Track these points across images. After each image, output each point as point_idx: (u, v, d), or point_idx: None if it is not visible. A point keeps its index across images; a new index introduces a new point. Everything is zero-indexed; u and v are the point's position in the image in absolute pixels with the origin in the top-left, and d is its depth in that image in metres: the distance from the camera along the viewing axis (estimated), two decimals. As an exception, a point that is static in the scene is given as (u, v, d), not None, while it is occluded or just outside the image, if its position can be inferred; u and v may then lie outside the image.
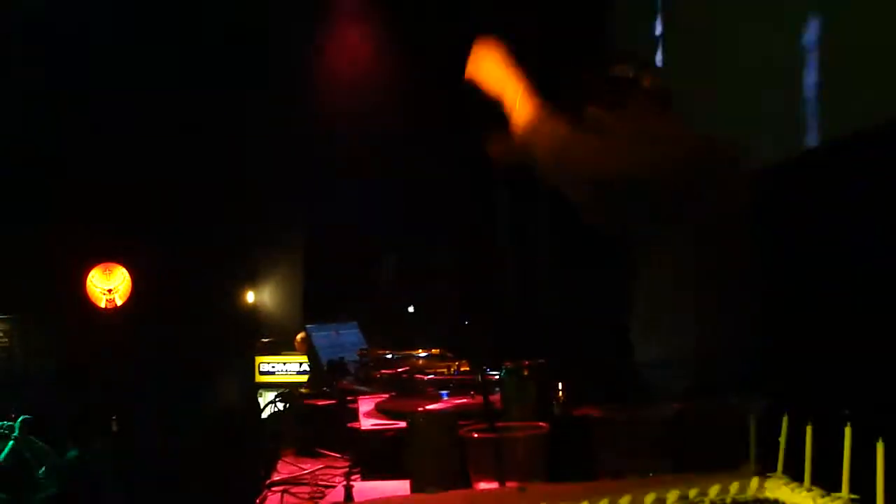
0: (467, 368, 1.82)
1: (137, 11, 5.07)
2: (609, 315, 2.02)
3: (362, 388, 1.73)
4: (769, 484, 0.71)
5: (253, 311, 6.44)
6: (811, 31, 2.40)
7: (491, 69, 1.63)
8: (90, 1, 5.01)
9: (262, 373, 5.64)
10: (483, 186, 4.63)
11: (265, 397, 5.30)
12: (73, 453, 4.15)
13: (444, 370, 1.80)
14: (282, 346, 5.61)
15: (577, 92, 1.76)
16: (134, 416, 5.03)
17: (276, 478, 1.42)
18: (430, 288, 5.14)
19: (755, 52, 2.65)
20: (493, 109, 1.63)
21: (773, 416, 0.73)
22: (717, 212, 1.54)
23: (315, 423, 1.65)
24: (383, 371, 1.81)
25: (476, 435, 0.89)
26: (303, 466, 1.48)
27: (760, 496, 0.70)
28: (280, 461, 1.56)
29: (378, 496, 1.12)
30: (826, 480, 0.67)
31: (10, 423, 3.90)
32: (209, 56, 5.23)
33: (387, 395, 1.63)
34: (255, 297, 6.50)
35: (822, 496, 0.66)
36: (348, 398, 1.64)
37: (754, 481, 0.71)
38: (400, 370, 1.79)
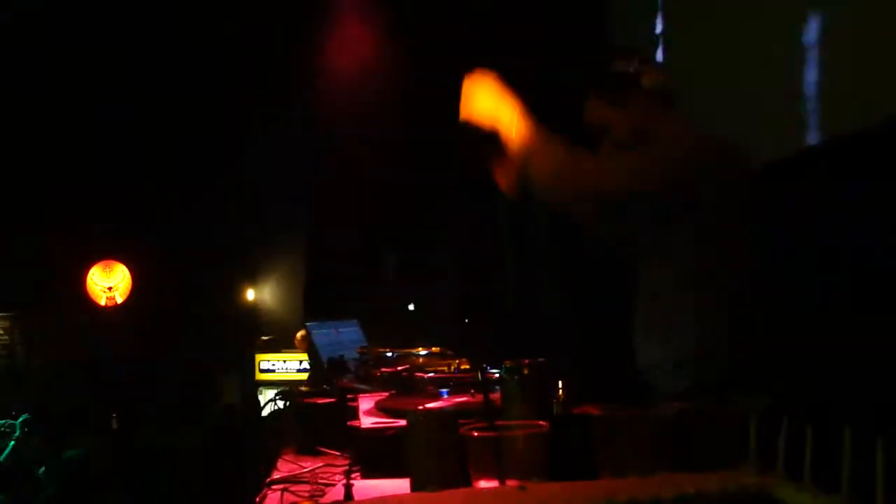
0: (467, 367, 1.82)
1: (138, 11, 5.07)
2: (609, 315, 2.02)
3: (362, 387, 1.73)
4: (769, 484, 0.71)
5: (253, 309, 6.45)
6: (811, 31, 2.40)
7: (483, 102, 1.61)
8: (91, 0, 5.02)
9: (262, 371, 5.64)
10: (483, 187, 4.61)
11: (265, 395, 5.31)
12: (73, 453, 4.15)
13: (445, 368, 1.79)
14: (282, 343, 5.63)
15: (578, 88, 1.75)
16: (134, 414, 5.03)
17: (275, 476, 1.41)
18: (430, 287, 5.14)
19: (755, 51, 2.65)
20: (490, 139, 1.62)
21: (773, 416, 0.73)
22: (717, 212, 1.54)
23: (315, 421, 1.64)
24: (383, 369, 1.81)
25: (476, 433, 0.89)
26: (303, 464, 1.48)
27: (760, 496, 0.70)
28: (280, 459, 1.55)
29: (378, 494, 1.12)
30: (826, 480, 0.67)
31: (10, 420, 3.90)
32: (210, 56, 5.23)
33: (387, 394, 1.63)
34: (255, 295, 6.51)
35: (822, 496, 0.66)
36: (348, 396, 1.64)
37: (754, 481, 0.71)
38: (400, 368, 1.79)
